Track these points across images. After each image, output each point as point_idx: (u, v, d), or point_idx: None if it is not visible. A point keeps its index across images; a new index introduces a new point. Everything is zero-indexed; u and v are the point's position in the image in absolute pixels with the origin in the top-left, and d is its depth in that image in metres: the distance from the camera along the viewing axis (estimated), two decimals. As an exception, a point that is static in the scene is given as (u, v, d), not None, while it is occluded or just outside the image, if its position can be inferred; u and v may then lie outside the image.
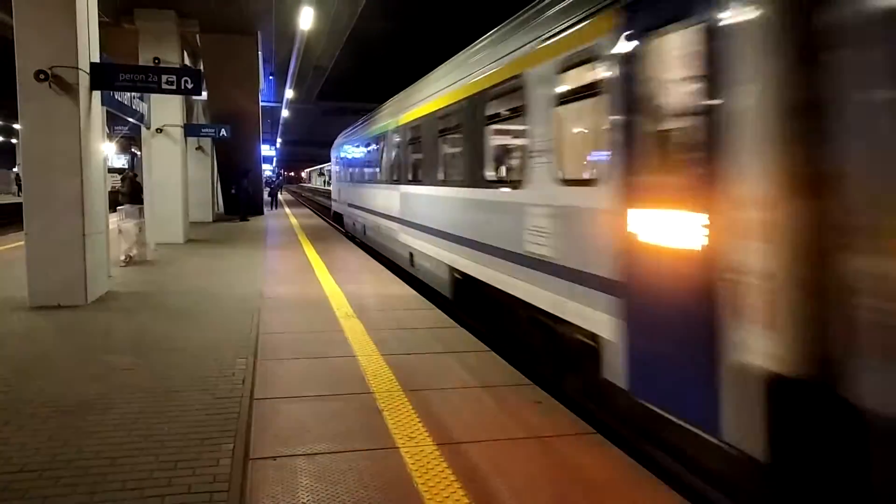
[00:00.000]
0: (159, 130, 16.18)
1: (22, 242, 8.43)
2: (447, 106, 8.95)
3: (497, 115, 7.26)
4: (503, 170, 7.60)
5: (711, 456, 3.80)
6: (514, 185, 6.59)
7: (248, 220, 23.92)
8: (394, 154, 12.84)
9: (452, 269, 8.80)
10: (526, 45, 6.35)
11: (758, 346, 3.33)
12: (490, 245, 7.21)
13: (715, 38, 3.61)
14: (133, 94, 11.22)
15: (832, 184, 3.08)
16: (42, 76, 7.89)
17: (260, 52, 24.65)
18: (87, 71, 8.40)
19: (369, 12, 25.48)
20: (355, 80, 47.49)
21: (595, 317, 4.93)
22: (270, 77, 35.28)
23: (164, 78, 9.52)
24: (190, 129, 18.80)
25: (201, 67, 21.79)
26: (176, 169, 16.75)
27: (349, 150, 19.81)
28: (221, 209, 28.35)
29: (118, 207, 13.09)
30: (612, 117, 4.64)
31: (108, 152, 19.28)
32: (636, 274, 4.32)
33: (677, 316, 3.90)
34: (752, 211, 3.37)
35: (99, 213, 8.86)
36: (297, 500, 3.29)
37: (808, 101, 3.17)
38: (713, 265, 3.58)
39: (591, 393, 5.36)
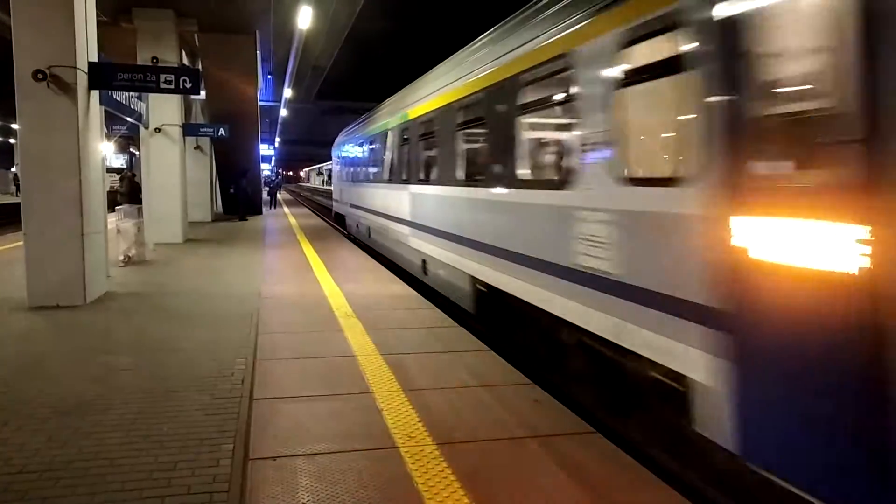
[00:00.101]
0: (158, 130, 16.16)
1: (20, 242, 8.43)
2: (471, 94, 7.73)
3: (533, 102, 6.24)
4: (542, 167, 6.68)
5: None
6: (557, 185, 5.60)
7: (246, 220, 23.90)
8: (405, 151, 11.54)
9: (475, 280, 7.86)
10: (573, 17, 5.37)
11: None
12: (524, 255, 6.26)
13: None
14: (131, 93, 11.20)
15: None
16: (40, 76, 7.88)
17: (258, 52, 24.60)
18: (86, 70, 8.39)
19: (368, 12, 25.53)
20: (354, 79, 47.58)
21: (681, 353, 3.92)
22: (269, 76, 35.32)
23: (162, 77, 9.52)
24: (188, 129, 18.81)
25: (200, 67, 21.76)
26: (174, 169, 16.72)
27: (353, 147, 18.57)
28: (220, 209, 28.35)
29: (117, 207, 13.10)
30: (709, 98, 3.66)
31: (107, 152, 19.25)
32: (752, 302, 3.32)
33: (827, 363, 2.91)
34: None
35: (97, 213, 8.84)
36: (296, 500, 3.28)
37: None
38: (880, 295, 2.68)
39: (671, 444, 4.45)
